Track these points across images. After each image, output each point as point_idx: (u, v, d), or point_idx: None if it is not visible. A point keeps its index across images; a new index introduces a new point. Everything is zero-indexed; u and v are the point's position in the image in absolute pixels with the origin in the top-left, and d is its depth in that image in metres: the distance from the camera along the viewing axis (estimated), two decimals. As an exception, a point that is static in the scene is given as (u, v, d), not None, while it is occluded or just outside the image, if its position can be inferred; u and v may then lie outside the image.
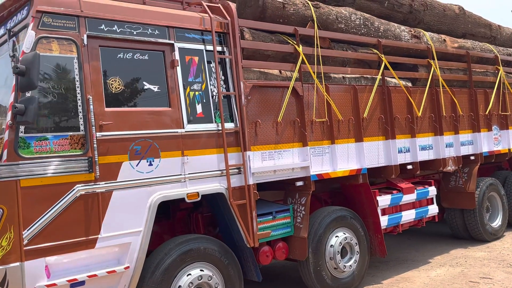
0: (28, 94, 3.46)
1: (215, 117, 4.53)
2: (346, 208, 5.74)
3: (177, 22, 4.40)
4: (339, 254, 5.40)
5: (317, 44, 5.44)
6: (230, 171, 4.52)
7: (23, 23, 3.78)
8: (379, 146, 6.05)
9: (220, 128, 4.50)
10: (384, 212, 6.09)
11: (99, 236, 3.71)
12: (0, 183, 3.36)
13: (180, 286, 4.12)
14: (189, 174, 4.26)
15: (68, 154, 3.64)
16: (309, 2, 5.61)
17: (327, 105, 5.48)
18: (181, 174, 4.22)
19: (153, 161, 4.06)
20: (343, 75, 5.92)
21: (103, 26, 3.94)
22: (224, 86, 4.66)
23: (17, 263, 3.35)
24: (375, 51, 6.25)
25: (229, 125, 4.60)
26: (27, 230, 3.41)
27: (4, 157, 3.39)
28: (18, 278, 3.34)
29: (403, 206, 6.34)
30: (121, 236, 3.83)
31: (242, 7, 5.34)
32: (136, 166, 3.96)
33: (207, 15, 4.63)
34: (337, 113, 5.55)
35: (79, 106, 3.72)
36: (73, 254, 3.61)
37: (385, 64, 6.18)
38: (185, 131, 4.28)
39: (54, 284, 3.47)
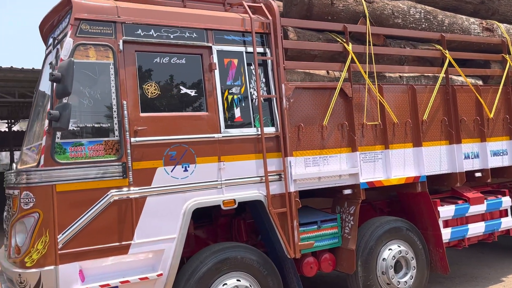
0: (65, 101, 3.52)
1: (254, 121, 4.36)
2: (402, 219, 5.29)
3: (216, 24, 4.29)
4: (393, 269, 4.98)
5: (369, 42, 5.07)
6: (269, 177, 4.33)
7: (64, 31, 3.88)
8: (442, 152, 5.51)
9: (259, 133, 4.32)
10: (446, 224, 5.54)
11: (132, 242, 3.70)
12: (37, 188, 3.46)
13: (215, 295, 4.01)
14: (225, 180, 4.13)
15: (103, 159, 3.66)
16: (361, -3, 5.24)
17: (380, 107, 5.08)
18: (217, 180, 4.10)
19: (188, 166, 3.99)
20: (400, 74, 5.47)
21: (139, 31, 3.93)
22: (265, 88, 4.47)
23: (52, 267, 3.42)
24: (438, 47, 5.71)
25: (269, 130, 4.41)
26: (62, 234, 3.48)
27: (41, 162, 3.48)
28: (52, 282, 3.41)
29: (470, 218, 5.73)
30: (155, 242, 3.78)
31: (289, 5, 5.11)
32: (171, 171, 3.91)
33: (247, 15, 4.47)
34: (392, 116, 5.13)
35: (114, 111, 3.73)
36: (106, 260, 3.62)
37: (450, 61, 5.62)
38: (222, 136, 4.16)
39: (87, 289, 3.51)
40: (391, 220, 5.18)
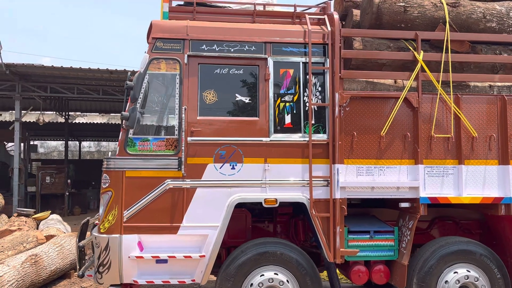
0: (136, 105, 4.40)
1: (305, 128, 4.60)
2: (477, 242, 4.82)
3: (274, 38, 4.67)
4: (455, 293, 4.61)
5: (446, 49, 4.76)
6: (316, 182, 4.53)
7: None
8: (541, 172, 4.80)
9: (308, 139, 4.56)
10: (539, 255, 4.81)
11: (181, 224, 4.39)
12: (112, 172, 4.41)
13: (252, 284, 4.42)
14: (269, 180, 4.50)
15: (163, 153, 4.44)
16: (443, 1, 4.93)
17: (455, 119, 4.74)
18: (261, 180, 4.50)
19: (236, 165, 4.49)
20: (490, 83, 4.95)
21: (204, 46, 4.59)
22: (320, 97, 4.67)
23: (117, 235, 4.34)
24: (548, 52, 4.96)
25: (320, 137, 4.60)
26: (127, 211, 4.37)
27: (117, 152, 4.42)
28: (117, 246, 4.32)
29: None
30: (200, 228, 4.40)
31: (363, 14, 5.15)
32: (220, 168, 4.47)
33: (308, 27, 4.73)
34: (470, 129, 4.72)
35: (176, 114, 4.47)
36: (160, 236, 4.39)
37: (561, 69, 4.84)
38: (270, 140, 4.53)
39: (142, 257, 4.33)
40: (462, 242, 4.78)
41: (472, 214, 5.43)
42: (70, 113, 19.95)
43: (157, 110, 4.54)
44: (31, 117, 19.03)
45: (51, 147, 30.05)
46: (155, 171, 4.41)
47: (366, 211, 5.43)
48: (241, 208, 4.85)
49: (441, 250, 4.70)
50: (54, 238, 7.49)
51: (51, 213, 11.11)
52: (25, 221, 9.41)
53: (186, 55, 4.53)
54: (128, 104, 4.47)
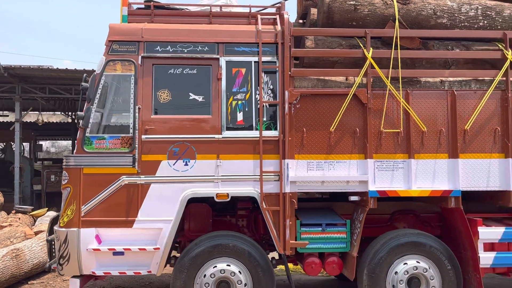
0: (92, 106, 4.62)
1: (256, 125, 4.77)
2: (427, 234, 4.93)
3: (226, 38, 4.84)
4: (404, 284, 4.73)
5: (396, 45, 4.87)
6: (267, 177, 4.69)
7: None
8: (492, 166, 4.90)
9: (259, 135, 4.72)
10: (492, 247, 4.89)
11: (136, 218, 4.61)
12: (70, 169, 4.65)
13: (205, 275, 4.62)
14: (222, 176, 4.68)
15: (119, 151, 4.66)
16: (394, -1, 5.04)
17: (406, 114, 4.85)
18: (214, 176, 4.68)
19: (189, 161, 4.68)
20: (442, 78, 5.04)
21: (158, 48, 4.79)
22: (272, 95, 4.83)
23: (76, 229, 4.58)
24: (501, 46, 5.03)
25: (271, 133, 4.76)
26: (85, 206, 4.60)
27: (75, 150, 4.66)
28: (75, 239, 4.56)
29: (531, 245, 4.90)
30: (155, 221, 4.62)
31: (318, 13, 5.28)
32: (173, 165, 4.67)
33: (260, 27, 4.88)
34: (419, 123, 4.83)
35: (131, 113, 4.68)
36: (116, 230, 4.61)
37: (512, 63, 4.91)
38: (222, 137, 4.71)
39: (99, 250, 4.56)
40: (412, 234, 4.90)
41: (433, 208, 5.52)
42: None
43: (113, 109, 4.76)
44: (36, 117, 19.54)
45: (62, 146, 30.73)
46: (111, 168, 4.63)
47: (330, 205, 5.57)
48: (202, 203, 5.04)
49: (391, 242, 4.82)
50: (41, 234, 7.79)
51: (48, 210, 11.48)
52: (19, 218, 9.75)
53: (140, 57, 4.73)
54: (85, 104, 4.69)
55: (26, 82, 13.94)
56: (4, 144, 19.67)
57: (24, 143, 19.29)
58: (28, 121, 18.77)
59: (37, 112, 18.17)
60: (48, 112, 19.41)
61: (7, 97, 14.90)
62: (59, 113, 19.97)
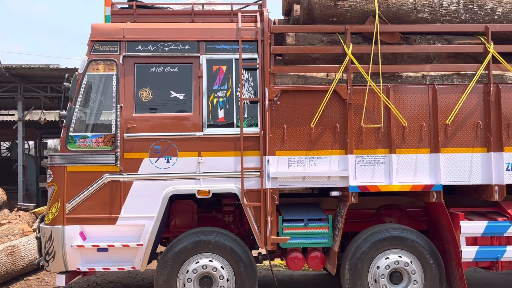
0: (75, 106, 4.69)
1: (237, 122, 4.81)
2: (410, 229, 4.95)
3: (207, 36, 4.88)
4: (386, 278, 4.76)
5: (379, 41, 4.87)
6: (248, 173, 4.74)
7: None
8: (474, 160, 4.89)
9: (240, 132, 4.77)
10: (475, 241, 4.89)
11: (119, 215, 4.69)
12: (55, 167, 4.74)
13: (188, 270, 4.69)
14: (203, 173, 4.74)
15: (101, 149, 4.73)
16: (374, -6, 5.03)
17: (386, 110, 4.86)
18: (195, 172, 4.74)
19: (170, 159, 4.74)
20: (423, 73, 5.04)
21: (139, 47, 4.84)
22: (252, 92, 4.87)
23: (60, 226, 4.67)
24: (483, 39, 5.00)
25: (252, 130, 4.80)
26: (69, 203, 4.69)
27: (59, 149, 4.75)
28: (60, 236, 4.65)
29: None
30: (137, 218, 4.69)
31: (300, 9, 5.29)
32: (155, 162, 4.73)
33: (240, 25, 4.91)
34: (400, 118, 4.84)
35: (113, 112, 4.75)
36: (100, 227, 4.70)
37: (494, 57, 4.88)
38: (203, 134, 4.77)
39: (83, 246, 4.65)
40: (394, 228, 4.92)
41: (420, 202, 5.53)
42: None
43: (96, 108, 4.83)
44: (42, 116, 19.76)
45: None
46: (94, 166, 4.71)
47: (318, 201, 5.61)
48: (187, 200, 5.11)
49: (373, 237, 4.85)
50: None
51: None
52: (19, 215, 9.93)
53: (121, 56, 4.80)
54: (68, 103, 4.77)
55: (28, 81, 14.11)
56: (10, 142, 19.95)
57: (29, 142, 19.54)
58: (33, 119, 19.02)
59: (41, 111, 18.40)
60: (54, 111, 19.61)
61: (10, 96, 15.10)
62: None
